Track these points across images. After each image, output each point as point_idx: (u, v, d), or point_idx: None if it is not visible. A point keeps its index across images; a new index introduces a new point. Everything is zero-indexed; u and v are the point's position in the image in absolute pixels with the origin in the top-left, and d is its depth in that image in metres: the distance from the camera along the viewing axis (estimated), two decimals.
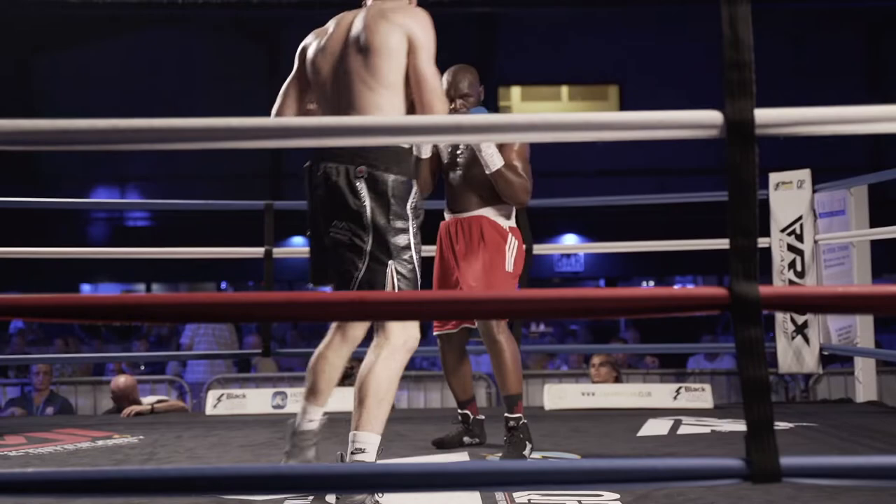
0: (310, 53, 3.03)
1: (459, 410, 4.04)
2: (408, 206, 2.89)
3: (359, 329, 3.08)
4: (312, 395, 3.05)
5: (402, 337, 2.89)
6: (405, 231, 2.88)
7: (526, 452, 3.69)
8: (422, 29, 2.87)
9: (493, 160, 3.67)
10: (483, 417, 4.07)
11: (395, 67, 2.84)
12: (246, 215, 5.58)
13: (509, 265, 3.78)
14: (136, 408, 5.29)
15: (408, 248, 2.89)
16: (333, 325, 3.16)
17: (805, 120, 1.54)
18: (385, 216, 2.85)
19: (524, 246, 3.92)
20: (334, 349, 3.06)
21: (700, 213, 5.99)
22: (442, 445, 3.98)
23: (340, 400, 5.23)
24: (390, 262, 2.86)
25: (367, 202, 2.85)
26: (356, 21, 2.95)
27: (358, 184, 2.85)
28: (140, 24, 14.24)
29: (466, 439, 4.01)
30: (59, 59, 14.97)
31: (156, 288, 16.89)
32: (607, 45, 15.00)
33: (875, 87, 14.57)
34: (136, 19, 13.75)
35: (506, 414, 3.76)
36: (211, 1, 10.19)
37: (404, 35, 2.85)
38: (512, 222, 3.85)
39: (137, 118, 1.56)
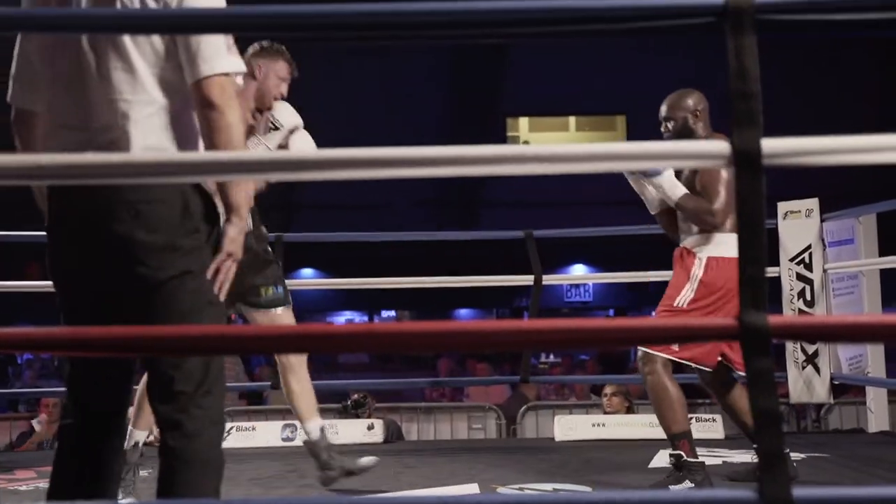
0: None
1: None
2: None
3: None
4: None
5: None
6: None
7: (675, 486, 3.58)
8: None
9: (671, 193, 3.68)
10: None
11: None
12: None
13: (681, 299, 3.68)
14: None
15: None
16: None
17: (813, 150, 1.54)
18: None
19: (724, 276, 3.65)
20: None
21: None
22: (734, 479, 3.88)
23: (349, 432, 5.22)
24: None
25: None
26: None
27: None
28: None
29: None
30: None
31: None
32: (614, 76, 15.04)
33: (885, 116, 14.57)
34: None
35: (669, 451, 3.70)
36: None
37: None
38: (721, 251, 3.68)
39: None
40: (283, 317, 3.74)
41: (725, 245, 3.68)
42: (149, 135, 2.03)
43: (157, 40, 2.05)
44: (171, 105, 2.07)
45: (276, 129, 3.62)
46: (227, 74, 2.06)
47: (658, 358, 3.64)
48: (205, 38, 2.04)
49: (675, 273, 3.79)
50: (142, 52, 2.04)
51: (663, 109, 3.85)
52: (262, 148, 3.61)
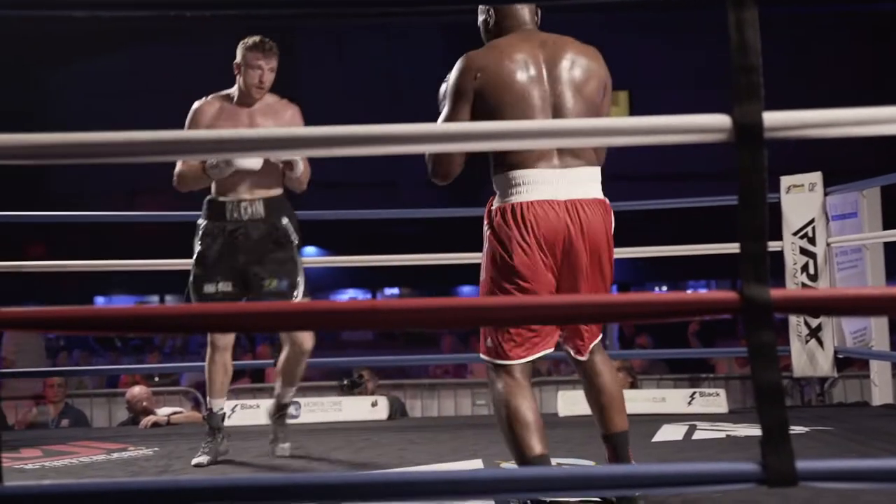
0: None
1: None
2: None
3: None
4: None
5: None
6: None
7: None
8: None
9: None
10: None
11: None
12: None
13: (484, 269, 2.89)
14: (153, 418, 5.31)
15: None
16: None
17: (814, 122, 1.54)
18: None
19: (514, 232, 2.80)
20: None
21: (714, 218, 5.97)
22: None
23: (353, 409, 5.24)
24: None
25: None
26: None
27: None
28: (150, 36, 14.29)
29: None
30: (69, 72, 15.03)
31: (169, 300, 16.93)
32: (617, 51, 14.98)
33: (880, 89, 14.52)
34: (144, 32, 13.81)
35: None
36: (219, 13, 10.22)
37: None
38: (505, 198, 2.86)
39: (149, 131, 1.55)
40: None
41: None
42: None
43: None
44: None
45: None
46: None
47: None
48: None
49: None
50: None
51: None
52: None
